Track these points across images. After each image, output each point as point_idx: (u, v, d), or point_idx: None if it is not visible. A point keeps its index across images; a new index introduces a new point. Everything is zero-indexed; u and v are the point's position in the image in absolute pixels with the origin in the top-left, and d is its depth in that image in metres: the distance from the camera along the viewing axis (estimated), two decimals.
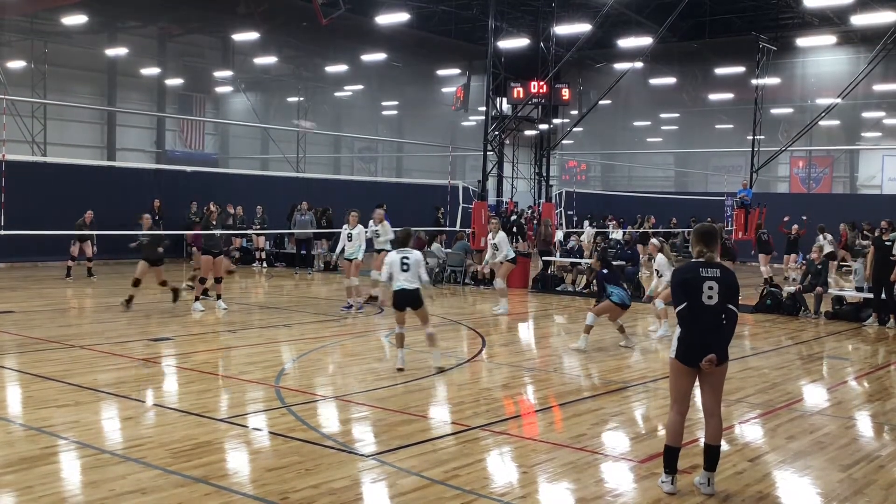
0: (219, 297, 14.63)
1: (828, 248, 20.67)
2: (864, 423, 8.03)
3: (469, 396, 8.58)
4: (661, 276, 12.70)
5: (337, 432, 7.14)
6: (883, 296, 14.30)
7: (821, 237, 21.20)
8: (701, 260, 5.82)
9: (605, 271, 11.97)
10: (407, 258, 9.63)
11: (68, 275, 18.57)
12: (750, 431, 7.58)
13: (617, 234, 28.04)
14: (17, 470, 5.84)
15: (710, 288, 5.69)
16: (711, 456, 5.77)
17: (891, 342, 13.22)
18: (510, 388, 9.22)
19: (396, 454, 6.41)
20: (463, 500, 5.52)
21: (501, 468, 6.33)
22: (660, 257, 12.76)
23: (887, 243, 14.09)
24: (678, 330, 5.79)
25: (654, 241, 13.28)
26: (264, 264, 23.68)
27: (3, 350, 10.29)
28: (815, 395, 9.27)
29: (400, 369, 9.52)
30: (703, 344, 5.65)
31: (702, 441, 5.94)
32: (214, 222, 14.99)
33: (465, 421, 7.50)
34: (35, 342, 10.89)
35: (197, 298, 14.21)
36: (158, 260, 14.17)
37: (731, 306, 5.72)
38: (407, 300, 9.62)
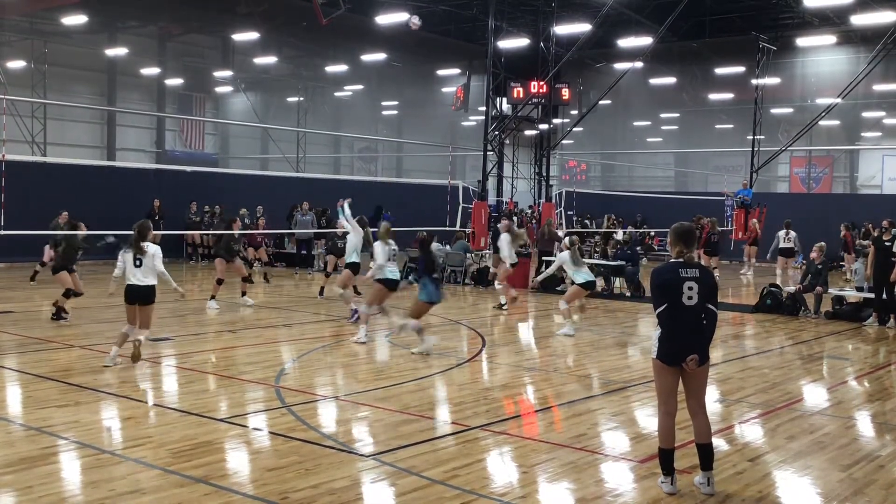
0: (243, 294, 15.18)
1: (785, 245, 20.50)
2: (864, 423, 8.03)
3: (469, 396, 8.58)
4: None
5: (337, 432, 7.14)
6: (883, 295, 14.31)
7: (782, 233, 20.89)
8: (680, 260, 5.82)
9: (421, 257, 11.51)
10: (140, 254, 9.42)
11: (33, 279, 17.26)
12: (750, 431, 7.58)
13: (617, 235, 28.02)
14: (17, 470, 5.84)
15: (690, 288, 5.69)
16: (705, 455, 5.78)
17: (891, 342, 13.21)
18: (510, 388, 9.22)
19: (396, 454, 6.41)
20: (463, 500, 5.52)
21: (501, 468, 6.33)
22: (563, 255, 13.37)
23: (887, 243, 14.09)
24: (658, 330, 5.79)
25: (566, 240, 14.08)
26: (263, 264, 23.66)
27: (3, 350, 10.29)
28: (815, 395, 9.27)
29: (106, 366, 9.25)
30: (685, 344, 5.66)
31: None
32: (236, 229, 15.80)
33: (465, 421, 7.50)
34: (35, 342, 10.89)
35: (212, 297, 14.52)
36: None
37: (710, 306, 5.72)
38: (137, 296, 9.45)
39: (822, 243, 16.19)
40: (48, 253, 17.18)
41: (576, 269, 13.20)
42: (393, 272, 11.49)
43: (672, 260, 5.89)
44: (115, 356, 9.40)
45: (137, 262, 9.40)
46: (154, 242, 9.61)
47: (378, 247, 11.56)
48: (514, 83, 23.82)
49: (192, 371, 9.47)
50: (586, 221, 31.86)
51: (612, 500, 5.62)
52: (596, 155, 46.87)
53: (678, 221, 6.12)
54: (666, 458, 5.77)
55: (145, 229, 9.53)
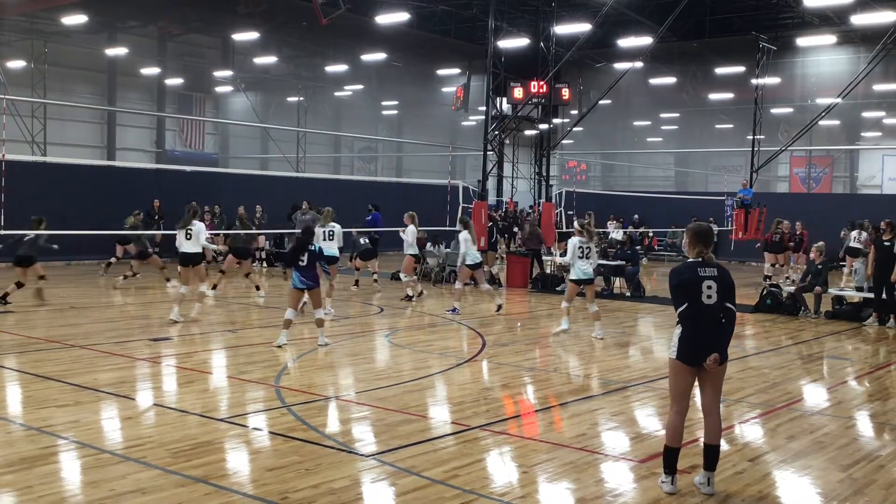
0: (257, 287, 16.81)
1: (856, 245, 20.79)
2: (864, 423, 8.03)
3: (469, 396, 8.58)
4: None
5: (337, 432, 7.14)
6: (883, 296, 14.31)
7: (854, 233, 21.37)
8: (699, 260, 5.83)
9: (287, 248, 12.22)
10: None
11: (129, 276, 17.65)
12: (750, 431, 7.58)
13: (617, 235, 28.04)
14: (17, 470, 5.84)
15: (709, 287, 5.70)
16: (711, 455, 5.77)
17: (891, 342, 13.22)
18: (510, 388, 9.22)
19: (396, 454, 6.41)
20: (463, 500, 5.52)
21: (501, 468, 6.33)
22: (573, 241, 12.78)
23: (887, 243, 14.09)
24: (678, 330, 5.79)
25: (576, 223, 13.45)
26: (264, 264, 23.68)
27: (3, 350, 10.29)
28: (815, 395, 9.27)
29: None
30: (706, 344, 5.66)
31: (701, 441, 5.95)
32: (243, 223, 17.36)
33: (465, 421, 7.50)
34: (35, 342, 10.89)
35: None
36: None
37: (729, 305, 5.73)
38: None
39: (822, 243, 16.19)
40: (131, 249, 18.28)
41: (573, 261, 12.52)
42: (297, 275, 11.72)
43: (690, 260, 5.90)
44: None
45: (188, 236, 12.77)
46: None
47: None
48: (514, 83, 23.82)
49: (192, 371, 9.47)
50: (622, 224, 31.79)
51: (612, 500, 5.61)
52: (596, 155, 46.89)
53: (696, 222, 6.13)
54: (670, 456, 5.76)
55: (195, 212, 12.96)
